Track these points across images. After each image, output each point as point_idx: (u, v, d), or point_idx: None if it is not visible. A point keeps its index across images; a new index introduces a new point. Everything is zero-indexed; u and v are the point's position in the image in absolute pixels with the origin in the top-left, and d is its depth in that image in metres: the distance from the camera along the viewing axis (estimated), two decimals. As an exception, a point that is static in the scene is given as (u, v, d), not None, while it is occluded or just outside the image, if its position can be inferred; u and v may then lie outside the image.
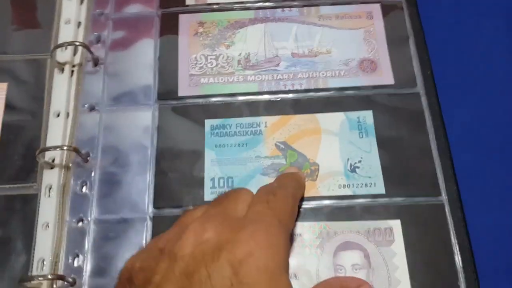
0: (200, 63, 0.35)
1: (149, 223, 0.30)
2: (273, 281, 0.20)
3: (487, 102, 0.34)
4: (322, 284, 0.25)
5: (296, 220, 0.29)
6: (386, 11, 0.36)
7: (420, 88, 0.33)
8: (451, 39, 0.37)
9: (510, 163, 0.32)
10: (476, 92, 0.35)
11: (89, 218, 0.30)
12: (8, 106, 0.35)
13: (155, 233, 0.30)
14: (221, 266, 0.20)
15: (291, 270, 0.28)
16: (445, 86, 0.33)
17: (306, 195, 0.30)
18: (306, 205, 0.30)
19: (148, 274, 0.21)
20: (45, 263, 0.29)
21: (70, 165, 0.32)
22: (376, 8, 0.36)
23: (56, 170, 0.32)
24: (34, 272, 0.29)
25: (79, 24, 0.37)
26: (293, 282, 0.27)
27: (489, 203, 0.31)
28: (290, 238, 0.28)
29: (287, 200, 0.26)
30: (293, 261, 0.28)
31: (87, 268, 0.29)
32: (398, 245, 0.28)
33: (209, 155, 0.32)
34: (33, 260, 0.30)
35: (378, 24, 0.36)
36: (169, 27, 0.36)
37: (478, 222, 0.29)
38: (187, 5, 0.37)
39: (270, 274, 0.20)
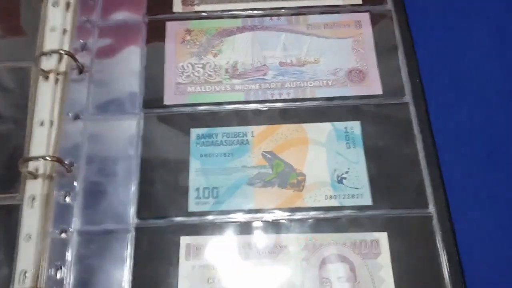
0: (187, 72, 0.35)
1: (133, 234, 0.30)
2: None
3: (476, 111, 0.34)
4: None
5: (279, 232, 0.29)
6: (375, 20, 0.36)
7: (408, 97, 0.33)
8: (440, 48, 0.36)
9: (499, 173, 0.32)
10: (465, 102, 0.35)
11: (71, 229, 0.30)
12: (-8, 114, 0.34)
13: (138, 244, 0.29)
14: None
15: (276, 283, 0.28)
16: (434, 96, 0.33)
17: (293, 205, 0.30)
18: (292, 216, 0.30)
19: None
20: (27, 275, 0.29)
21: (54, 175, 0.32)
22: (365, 17, 0.36)
23: (39, 180, 0.32)
24: (16, 285, 0.29)
25: (64, 31, 0.37)
26: (278, 295, 0.27)
27: (478, 214, 0.31)
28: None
29: None
30: (278, 273, 0.28)
31: (70, 280, 0.29)
32: (385, 258, 0.28)
33: (194, 165, 0.32)
34: (14, 272, 0.29)
35: (367, 33, 0.36)
36: (156, 34, 0.36)
37: (467, 233, 0.29)
38: (175, 13, 0.37)
39: None
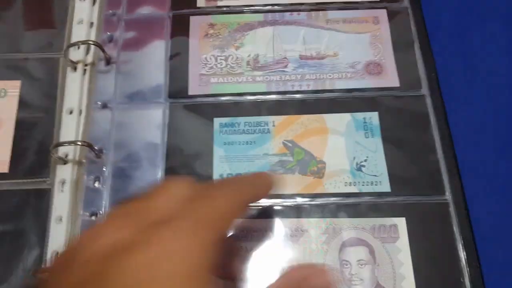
0: (210, 64, 0.36)
1: (160, 217, 0.31)
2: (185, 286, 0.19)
3: (491, 103, 0.35)
4: (283, 280, 0.23)
5: (300, 216, 0.30)
6: (392, 16, 0.37)
7: (425, 90, 0.34)
8: (456, 43, 0.38)
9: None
10: (480, 94, 0.36)
11: (101, 212, 0.31)
12: (22, 103, 0.35)
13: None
14: (125, 270, 0.18)
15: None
16: (449, 88, 0.34)
17: (313, 191, 0.31)
18: (312, 201, 0.31)
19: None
20: (58, 256, 0.30)
21: (83, 160, 0.33)
22: (383, 13, 0.37)
23: (69, 165, 0.33)
24: (48, 265, 0.30)
25: (91, 24, 0.38)
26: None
27: (493, 201, 0.32)
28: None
29: (222, 200, 0.22)
30: (299, 256, 0.29)
31: (98, 260, 0.30)
32: (403, 242, 0.29)
33: (218, 152, 0.33)
34: (46, 253, 0.30)
35: (384, 28, 0.37)
36: (180, 28, 0.37)
37: (482, 220, 0.30)
38: (198, 7, 0.38)
39: (179, 279, 0.19)
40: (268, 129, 0.34)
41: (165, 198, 0.22)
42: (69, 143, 0.32)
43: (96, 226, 0.21)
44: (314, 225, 0.30)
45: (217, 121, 0.34)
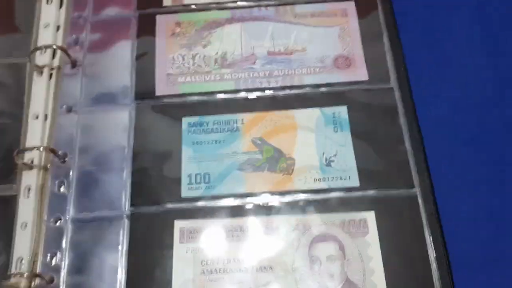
0: (177, 63, 0.35)
1: (126, 221, 0.30)
2: None
3: (459, 95, 0.35)
4: None
5: (270, 214, 0.30)
6: (361, 8, 0.37)
7: (393, 83, 0.34)
8: (424, 36, 0.37)
9: (481, 156, 0.33)
10: (448, 86, 0.35)
11: (66, 217, 0.31)
12: (-12, 110, 0.35)
13: (132, 230, 0.30)
14: None
15: (267, 262, 0.28)
16: (418, 81, 0.34)
17: (282, 189, 0.31)
18: (282, 199, 0.30)
19: None
20: (23, 261, 0.30)
21: (49, 166, 0.33)
22: (351, 6, 0.37)
23: (34, 171, 0.32)
24: (13, 271, 0.29)
25: (58, 27, 0.37)
26: (269, 273, 0.28)
27: (461, 195, 0.32)
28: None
29: None
30: (269, 253, 0.29)
31: (65, 266, 0.29)
32: (373, 236, 0.29)
33: (187, 152, 0.32)
34: (12, 259, 0.30)
35: (353, 21, 0.36)
36: (146, 28, 0.37)
37: (450, 213, 0.30)
38: (164, 6, 0.37)
39: None
40: (237, 127, 0.33)
41: None
42: (31, 148, 0.32)
43: None
44: (284, 222, 0.30)
45: (186, 120, 0.34)
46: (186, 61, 0.35)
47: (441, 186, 0.30)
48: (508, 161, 0.33)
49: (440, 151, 0.32)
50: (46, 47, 0.35)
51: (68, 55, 0.35)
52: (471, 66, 0.36)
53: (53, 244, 0.30)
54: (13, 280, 0.29)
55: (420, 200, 0.30)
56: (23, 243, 0.30)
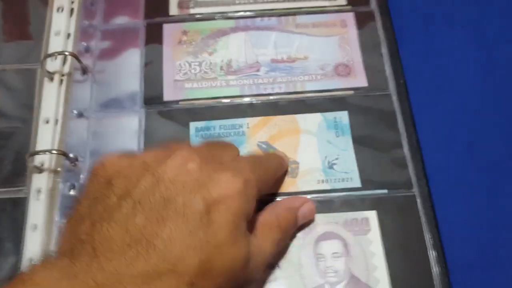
0: (184, 70, 0.37)
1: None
2: (236, 226, 0.22)
3: (456, 102, 0.37)
4: (272, 206, 0.28)
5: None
6: (359, 19, 0.39)
7: (391, 89, 0.36)
8: (422, 45, 0.39)
9: (476, 160, 0.34)
10: (445, 93, 0.37)
11: (78, 218, 0.31)
12: (0, 114, 0.36)
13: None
14: (196, 201, 0.21)
15: (274, 261, 0.29)
16: (416, 87, 0.36)
17: (287, 190, 0.32)
18: (287, 200, 0.32)
19: (129, 185, 0.21)
20: (33, 263, 0.30)
21: (59, 169, 0.33)
22: (350, 17, 0.39)
23: (45, 174, 0.33)
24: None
25: (68, 35, 0.39)
26: (277, 271, 0.29)
27: (458, 197, 0.33)
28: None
29: (268, 170, 0.28)
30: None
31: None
32: (374, 234, 0.30)
33: (194, 156, 0.33)
34: (22, 260, 0.30)
35: (352, 31, 0.38)
36: (154, 36, 0.38)
37: (446, 211, 0.31)
38: (171, 15, 0.39)
39: (237, 219, 0.22)
40: (242, 131, 0.34)
41: (226, 152, 0.26)
42: (44, 151, 0.33)
43: (159, 151, 0.24)
44: (289, 222, 0.31)
45: (193, 125, 0.35)
46: (192, 68, 0.37)
47: (437, 186, 0.32)
48: (502, 164, 0.34)
49: (436, 153, 0.34)
50: (58, 53, 0.37)
51: (79, 60, 0.37)
52: (467, 73, 0.38)
53: (65, 244, 0.31)
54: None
55: (418, 200, 0.31)
56: (34, 245, 0.31)
